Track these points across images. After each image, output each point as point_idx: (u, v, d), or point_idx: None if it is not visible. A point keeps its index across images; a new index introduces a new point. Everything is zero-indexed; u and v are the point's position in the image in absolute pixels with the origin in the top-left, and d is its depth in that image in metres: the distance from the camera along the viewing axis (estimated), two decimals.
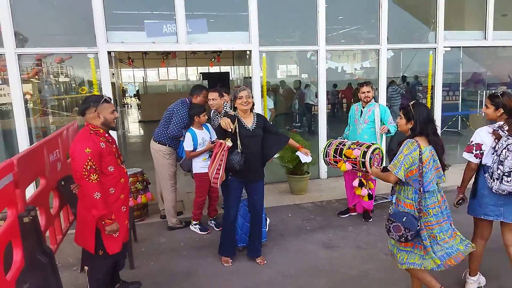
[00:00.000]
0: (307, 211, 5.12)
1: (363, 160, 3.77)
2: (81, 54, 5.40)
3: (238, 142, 3.49)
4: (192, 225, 4.56)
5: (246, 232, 3.89)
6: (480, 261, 3.15)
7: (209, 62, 18.82)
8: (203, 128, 4.41)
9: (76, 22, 5.76)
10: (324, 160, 4.01)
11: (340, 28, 7.33)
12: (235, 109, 3.63)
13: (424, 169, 2.65)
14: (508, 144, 2.73)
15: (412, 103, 2.78)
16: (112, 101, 2.89)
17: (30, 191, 2.97)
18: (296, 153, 4.07)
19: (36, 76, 6.10)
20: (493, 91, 3.10)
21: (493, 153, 2.83)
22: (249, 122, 3.58)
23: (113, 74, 7.30)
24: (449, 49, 6.86)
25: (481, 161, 2.94)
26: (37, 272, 2.60)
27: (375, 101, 4.70)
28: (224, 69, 19.94)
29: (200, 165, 4.33)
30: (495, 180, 2.77)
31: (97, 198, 2.62)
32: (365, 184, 4.28)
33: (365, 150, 3.79)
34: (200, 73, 20.27)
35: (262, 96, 6.06)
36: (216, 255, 3.84)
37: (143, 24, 5.55)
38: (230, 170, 3.53)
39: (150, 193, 4.84)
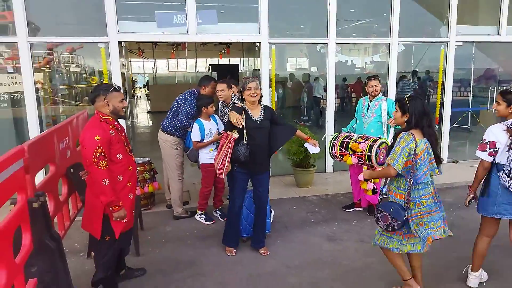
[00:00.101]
0: (312, 204, 5.14)
1: (369, 154, 3.76)
2: (92, 44, 5.45)
3: (244, 133, 3.52)
4: (197, 215, 4.62)
5: (251, 223, 3.93)
6: (484, 258, 3.14)
7: (218, 54, 18.82)
8: (211, 119, 4.44)
9: (88, 11, 5.81)
10: (330, 153, 4.01)
11: (351, 21, 7.26)
12: (243, 100, 3.64)
13: (419, 161, 2.71)
14: None
15: (407, 96, 2.84)
16: (121, 90, 2.93)
17: (40, 177, 3.04)
18: (304, 144, 4.07)
19: (47, 65, 6.18)
20: (505, 87, 3.07)
21: (508, 151, 2.78)
22: (256, 114, 3.60)
23: (123, 64, 7.36)
24: (461, 44, 6.76)
25: (494, 159, 2.88)
26: (45, 256, 2.67)
27: (383, 95, 4.69)
28: (233, 61, 19.92)
29: (206, 156, 4.37)
30: None
31: (106, 184, 2.68)
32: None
33: (371, 144, 3.78)
34: (209, 64, 20.28)
35: (270, 89, 6.06)
36: (220, 245, 3.89)
37: (154, 15, 5.57)
38: (235, 161, 3.56)
39: (157, 183, 4.90)
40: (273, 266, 3.56)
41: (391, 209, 2.71)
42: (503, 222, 3.06)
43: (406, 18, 6.50)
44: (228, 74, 9.86)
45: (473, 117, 8.35)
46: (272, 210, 4.40)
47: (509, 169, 2.76)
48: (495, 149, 2.85)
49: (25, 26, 5.04)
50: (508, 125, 2.84)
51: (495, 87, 8.03)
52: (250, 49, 14.19)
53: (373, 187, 3.64)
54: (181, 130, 4.53)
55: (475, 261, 3.15)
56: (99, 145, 2.65)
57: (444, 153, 6.99)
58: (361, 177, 3.15)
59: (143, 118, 14.55)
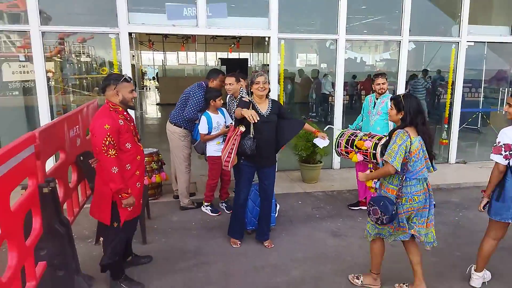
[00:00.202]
0: (317, 199, 5.16)
1: (374, 151, 3.77)
2: (103, 35, 5.49)
3: (251, 127, 3.53)
4: (203, 206, 4.66)
5: (256, 215, 3.97)
6: (489, 260, 3.13)
7: (228, 48, 18.80)
8: (219, 112, 4.47)
9: (99, 2, 5.86)
10: (335, 150, 4.03)
11: (363, 18, 7.23)
12: (251, 94, 3.66)
13: (413, 158, 2.77)
14: None
15: (403, 94, 2.90)
16: (132, 81, 2.97)
17: (50, 164, 3.10)
18: (313, 140, 4.06)
19: (59, 55, 6.25)
20: None
21: None
22: (264, 108, 3.62)
23: (133, 56, 7.40)
24: (472, 43, 6.69)
25: (509, 163, 2.83)
26: (54, 240, 2.74)
27: (393, 93, 4.68)
28: (243, 55, 19.90)
29: (213, 149, 4.41)
30: None
31: (115, 172, 2.72)
32: None
33: (377, 142, 3.79)
34: (219, 58, 20.28)
35: (279, 84, 6.07)
36: (225, 236, 3.94)
37: (164, 7, 5.59)
38: (242, 155, 3.59)
39: (164, 173, 4.96)
40: (277, 259, 3.60)
41: (381, 204, 2.79)
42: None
43: (418, 16, 6.46)
44: (238, 68, 9.89)
45: (483, 118, 8.28)
46: (278, 204, 4.43)
47: None
48: (510, 152, 2.79)
49: (37, 15, 5.10)
50: None
51: (506, 89, 7.95)
52: (260, 44, 14.18)
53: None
54: (189, 122, 4.57)
55: (480, 262, 3.14)
56: (108, 133, 2.70)
57: (453, 154, 6.95)
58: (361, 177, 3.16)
59: (152, 110, 14.63)
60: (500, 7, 7.93)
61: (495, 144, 2.87)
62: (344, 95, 6.70)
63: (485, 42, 7.09)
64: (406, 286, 3.08)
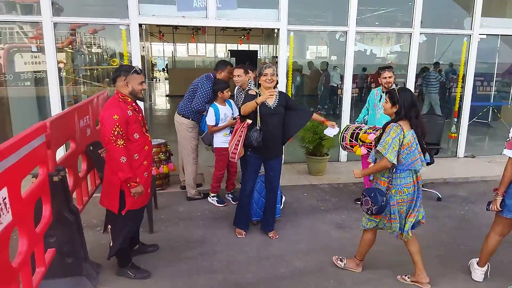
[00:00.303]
0: (323, 192, 5.19)
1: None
2: (114, 26, 5.54)
3: (258, 119, 3.57)
4: (210, 197, 4.72)
5: (261, 207, 4.01)
6: (492, 255, 3.11)
7: (238, 40, 18.75)
8: (226, 104, 4.50)
9: None
10: (340, 144, 4.04)
11: (374, 10, 7.14)
12: (259, 85, 3.68)
13: (405, 151, 2.83)
14: None
15: (397, 87, 2.94)
16: (142, 73, 3.01)
17: (60, 153, 3.17)
18: (324, 131, 4.06)
19: (70, 46, 6.32)
20: None
21: None
22: (271, 100, 3.63)
23: (143, 47, 7.44)
24: (484, 36, 6.58)
25: None
26: (64, 228, 2.82)
27: (403, 86, 4.65)
28: (253, 47, 19.84)
29: (220, 140, 4.45)
30: None
31: (123, 162, 2.79)
32: None
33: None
34: (228, 50, 20.25)
35: (287, 76, 6.07)
36: (231, 226, 4.00)
37: None
38: (248, 146, 3.63)
39: (172, 164, 5.02)
40: (281, 250, 3.65)
41: (372, 195, 2.87)
42: None
43: (430, 8, 6.36)
44: (247, 60, 9.87)
45: (494, 112, 8.17)
46: (283, 196, 4.47)
47: None
48: None
49: (50, 6, 5.16)
50: None
51: None
52: (270, 36, 14.10)
53: None
54: (196, 114, 4.61)
55: (484, 257, 3.13)
56: (117, 124, 2.75)
57: (461, 148, 6.89)
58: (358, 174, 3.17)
59: (161, 101, 14.73)
60: None
61: (508, 139, 2.80)
62: (353, 88, 6.67)
63: (498, 35, 6.98)
64: (408, 277, 3.12)
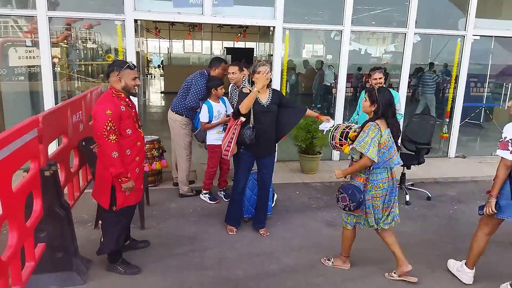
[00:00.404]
0: (314, 190, 5.23)
1: None
2: (109, 21, 5.52)
3: (251, 117, 3.59)
4: (202, 194, 4.74)
5: (253, 204, 4.04)
6: (481, 255, 3.10)
7: (234, 37, 18.74)
8: (220, 101, 4.52)
9: None
10: (330, 143, 4.06)
11: (370, 9, 7.17)
12: (252, 83, 3.69)
13: (382, 150, 2.92)
14: None
15: (377, 87, 3.04)
16: (136, 69, 3.01)
17: (52, 148, 3.18)
18: (319, 127, 4.08)
19: (65, 41, 6.29)
20: None
21: None
22: (264, 98, 3.65)
23: (139, 43, 7.42)
24: (478, 37, 6.63)
25: None
26: (54, 223, 2.83)
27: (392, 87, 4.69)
28: (249, 45, 19.84)
29: (213, 137, 4.47)
30: None
31: (115, 157, 2.80)
32: None
33: None
34: (224, 47, 20.23)
35: (281, 74, 6.09)
36: (222, 223, 4.02)
37: None
38: (241, 144, 3.65)
39: (165, 161, 5.03)
40: (272, 247, 3.68)
41: (349, 192, 2.96)
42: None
43: (425, 8, 6.40)
44: (243, 58, 9.87)
45: (486, 113, 8.24)
46: (275, 194, 4.51)
47: None
48: None
49: (45, 0, 5.13)
50: None
51: (510, 84, 7.88)
52: (266, 33, 14.10)
53: None
54: (190, 111, 4.62)
55: (473, 258, 3.10)
56: (110, 119, 2.76)
57: (453, 148, 6.96)
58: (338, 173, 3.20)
59: (156, 98, 14.68)
60: (510, 1, 7.82)
61: (501, 140, 2.78)
62: (348, 87, 6.70)
63: (492, 36, 7.03)
64: (394, 273, 3.18)
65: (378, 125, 2.92)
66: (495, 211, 2.84)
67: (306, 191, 5.16)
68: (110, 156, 2.80)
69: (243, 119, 3.58)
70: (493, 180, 2.90)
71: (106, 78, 2.97)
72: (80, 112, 3.62)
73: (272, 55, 6.33)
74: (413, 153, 5.00)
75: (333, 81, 7.33)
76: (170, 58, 18.26)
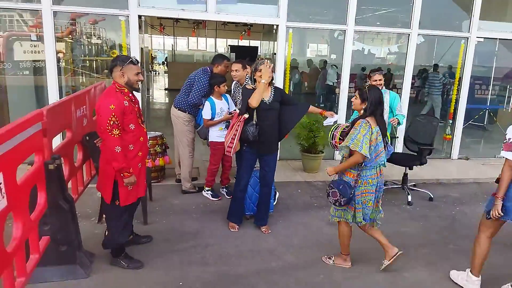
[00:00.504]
0: (316, 189, 5.23)
1: None
2: (114, 17, 5.53)
3: (254, 114, 3.60)
4: (204, 191, 4.76)
5: (255, 201, 4.05)
6: (486, 259, 3.02)
7: (239, 35, 18.73)
8: (222, 98, 4.53)
9: None
10: (329, 143, 4.08)
11: (375, 10, 7.16)
12: (254, 81, 3.71)
13: (371, 147, 2.96)
14: None
15: (368, 85, 3.10)
16: (139, 64, 3.03)
17: (57, 142, 3.20)
18: (323, 123, 4.08)
19: (70, 36, 6.31)
20: None
21: None
22: (266, 95, 3.66)
23: (144, 39, 7.42)
24: (482, 39, 6.62)
25: None
26: (58, 216, 2.86)
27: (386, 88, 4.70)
28: (253, 43, 19.84)
29: (216, 134, 4.48)
30: None
31: (118, 151, 2.82)
32: None
33: None
34: (229, 45, 20.24)
35: (285, 73, 6.09)
36: (224, 220, 4.04)
37: None
38: (244, 141, 3.66)
39: (168, 157, 5.05)
40: (272, 244, 3.70)
41: (340, 187, 3.02)
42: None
43: (430, 9, 6.39)
44: (247, 56, 9.90)
45: (490, 116, 8.23)
46: (277, 192, 4.52)
47: None
48: None
49: None
50: None
51: None
52: (270, 32, 14.12)
53: None
54: (193, 107, 4.63)
55: (478, 264, 2.99)
56: (113, 113, 2.78)
57: (456, 149, 6.96)
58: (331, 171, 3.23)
59: (160, 95, 14.71)
60: None
61: (505, 141, 2.74)
62: (351, 87, 6.70)
63: (496, 38, 7.01)
64: (385, 261, 3.23)
65: (368, 122, 2.97)
66: (502, 214, 2.76)
67: (308, 190, 5.17)
68: (113, 150, 2.82)
69: (246, 115, 3.59)
70: (497, 182, 2.84)
71: (110, 73, 2.98)
72: (84, 106, 3.63)
73: (275, 54, 6.33)
74: (415, 154, 5.01)
75: (336, 81, 7.33)
76: (174, 55, 18.27)
